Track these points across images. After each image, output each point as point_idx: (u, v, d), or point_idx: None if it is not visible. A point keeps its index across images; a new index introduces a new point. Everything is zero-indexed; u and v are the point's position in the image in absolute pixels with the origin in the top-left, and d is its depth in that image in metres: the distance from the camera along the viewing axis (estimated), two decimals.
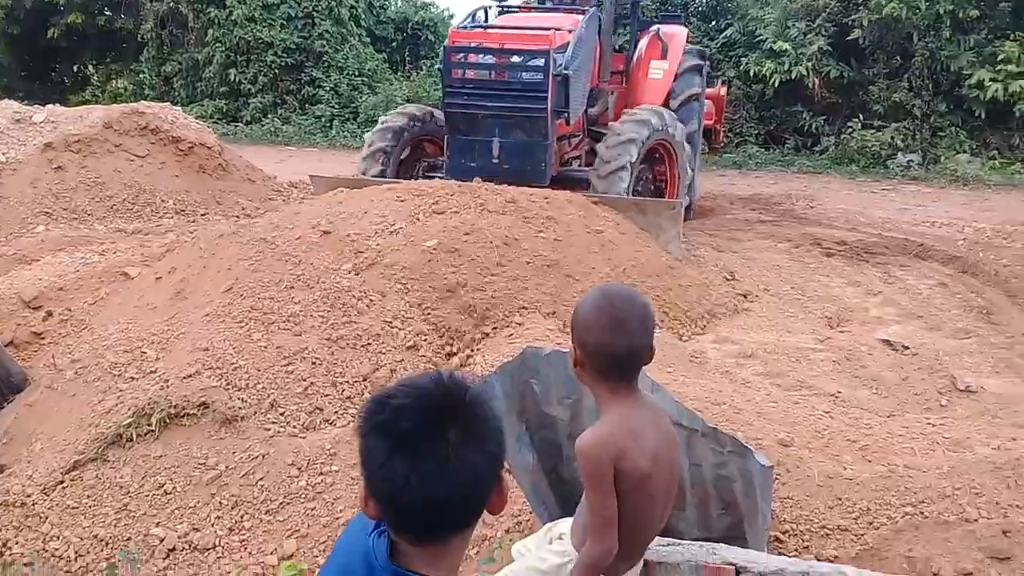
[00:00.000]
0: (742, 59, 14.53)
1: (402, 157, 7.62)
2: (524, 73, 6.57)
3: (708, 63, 9.15)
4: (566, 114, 6.70)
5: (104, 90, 19.15)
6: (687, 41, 8.87)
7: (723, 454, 3.01)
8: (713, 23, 15.82)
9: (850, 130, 13.55)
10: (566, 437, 3.21)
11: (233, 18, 16.63)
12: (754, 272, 6.75)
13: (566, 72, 6.46)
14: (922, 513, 3.21)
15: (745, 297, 6.24)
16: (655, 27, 8.69)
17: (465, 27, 7.37)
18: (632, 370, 2.05)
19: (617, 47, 9.10)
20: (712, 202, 10.01)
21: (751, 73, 14.19)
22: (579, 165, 7.75)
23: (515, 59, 6.60)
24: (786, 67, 13.62)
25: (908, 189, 11.64)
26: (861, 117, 13.62)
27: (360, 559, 1.47)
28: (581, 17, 7.21)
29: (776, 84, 13.81)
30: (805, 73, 13.55)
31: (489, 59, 6.65)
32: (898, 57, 13.54)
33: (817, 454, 3.56)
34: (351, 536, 1.55)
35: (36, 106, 9.60)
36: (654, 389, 2.98)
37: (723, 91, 10.50)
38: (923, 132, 13.37)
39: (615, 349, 1.99)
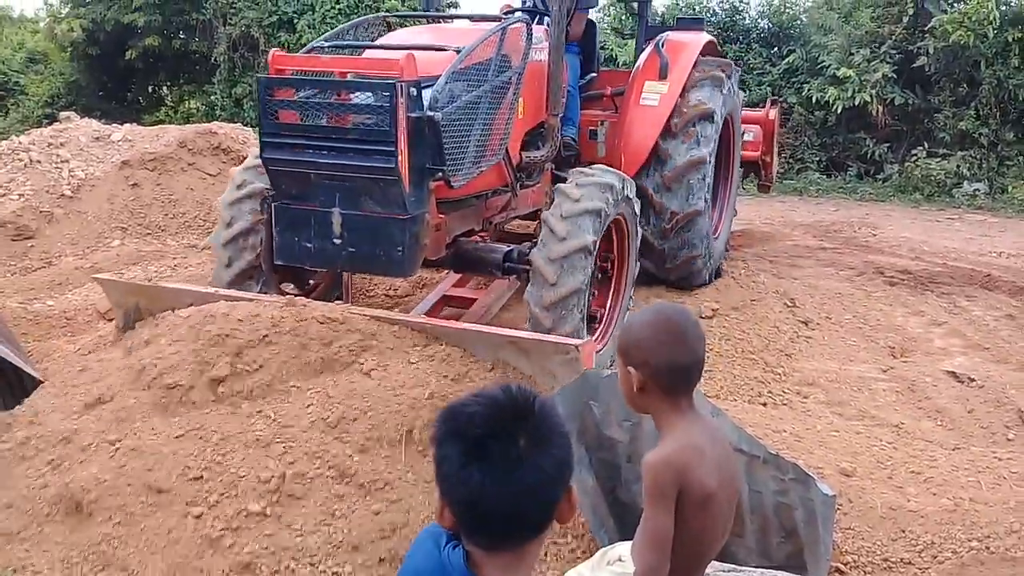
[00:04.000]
0: (804, 85, 14.43)
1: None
2: (363, 116, 4.37)
3: (735, 76, 6.86)
4: (443, 173, 4.40)
5: (177, 110, 19.82)
6: (709, 52, 6.79)
7: (784, 481, 3.02)
8: (775, 49, 15.76)
9: (915, 158, 13.35)
10: (626, 460, 3.24)
11: (303, 42, 17.05)
12: (815, 300, 6.69)
13: (431, 114, 4.25)
14: (988, 548, 3.17)
15: (806, 324, 6.19)
16: (663, 35, 6.60)
17: (317, 47, 5.11)
18: (694, 383, 2.11)
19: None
20: (772, 228, 9.95)
21: (813, 99, 14.08)
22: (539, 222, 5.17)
23: (354, 96, 4.44)
24: (849, 94, 13.48)
25: (974, 219, 11.41)
26: (926, 145, 13.41)
27: (433, 574, 1.51)
28: (488, 28, 4.92)
29: (839, 111, 13.68)
30: (869, 100, 13.40)
31: (327, 96, 4.51)
32: (965, 85, 13.34)
33: (880, 485, 3.53)
34: (421, 554, 1.58)
35: (114, 125, 10.00)
36: (715, 414, 3.01)
37: (772, 114, 8.44)
38: (990, 161, 13.12)
39: (682, 362, 2.06)
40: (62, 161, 8.49)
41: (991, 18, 12.18)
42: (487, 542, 1.46)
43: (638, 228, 5.43)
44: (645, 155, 6.13)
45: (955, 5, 12.68)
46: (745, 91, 14.28)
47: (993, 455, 3.99)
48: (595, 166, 5.20)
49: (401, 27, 5.81)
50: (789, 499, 3.01)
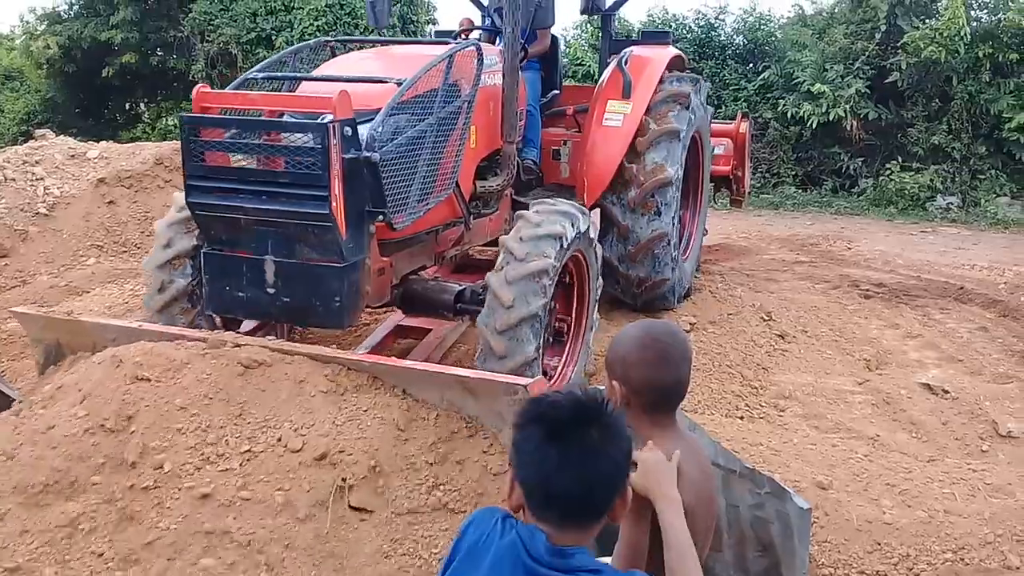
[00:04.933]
0: (779, 101, 14.59)
1: None
2: (294, 158, 3.98)
3: (701, 92, 6.64)
4: (384, 215, 4.11)
5: (154, 127, 19.69)
6: (675, 66, 6.56)
7: (760, 495, 3.04)
8: (751, 65, 15.93)
9: (888, 172, 13.52)
10: None
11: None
12: (791, 313, 6.74)
13: (368, 155, 3.94)
14: (963, 560, 3.20)
15: (782, 338, 6.23)
16: (627, 51, 6.29)
17: (251, 79, 4.69)
18: (676, 403, 2.12)
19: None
20: (748, 242, 10.03)
21: (789, 115, 14.23)
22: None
23: (284, 136, 4.05)
24: (824, 109, 13.65)
25: (947, 232, 11.57)
26: (900, 159, 13.59)
27: (510, 559, 1.62)
28: (436, 54, 4.56)
29: (814, 126, 13.84)
30: (843, 115, 13.56)
31: (255, 136, 4.14)
32: (937, 100, 13.52)
33: (856, 498, 3.56)
34: (485, 543, 1.67)
35: (90, 142, 9.93)
36: (692, 428, 3.02)
37: (743, 127, 8.14)
38: (962, 175, 13.31)
39: (663, 382, 2.06)
40: (37, 179, 8.42)
41: (962, 34, 12.39)
42: (556, 519, 1.62)
43: (599, 270, 5.11)
44: (608, 179, 5.93)
45: (927, 21, 12.87)
46: (721, 107, 14.44)
47: (967, 467, 4.03)
48: (556, 199, 4.95)
49: (346, 52, 5.48)
50: (765, 513, 3.03)
